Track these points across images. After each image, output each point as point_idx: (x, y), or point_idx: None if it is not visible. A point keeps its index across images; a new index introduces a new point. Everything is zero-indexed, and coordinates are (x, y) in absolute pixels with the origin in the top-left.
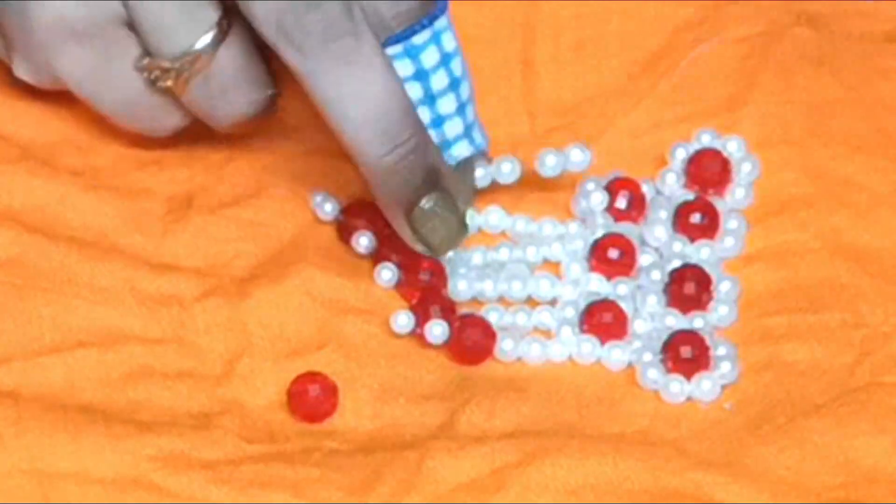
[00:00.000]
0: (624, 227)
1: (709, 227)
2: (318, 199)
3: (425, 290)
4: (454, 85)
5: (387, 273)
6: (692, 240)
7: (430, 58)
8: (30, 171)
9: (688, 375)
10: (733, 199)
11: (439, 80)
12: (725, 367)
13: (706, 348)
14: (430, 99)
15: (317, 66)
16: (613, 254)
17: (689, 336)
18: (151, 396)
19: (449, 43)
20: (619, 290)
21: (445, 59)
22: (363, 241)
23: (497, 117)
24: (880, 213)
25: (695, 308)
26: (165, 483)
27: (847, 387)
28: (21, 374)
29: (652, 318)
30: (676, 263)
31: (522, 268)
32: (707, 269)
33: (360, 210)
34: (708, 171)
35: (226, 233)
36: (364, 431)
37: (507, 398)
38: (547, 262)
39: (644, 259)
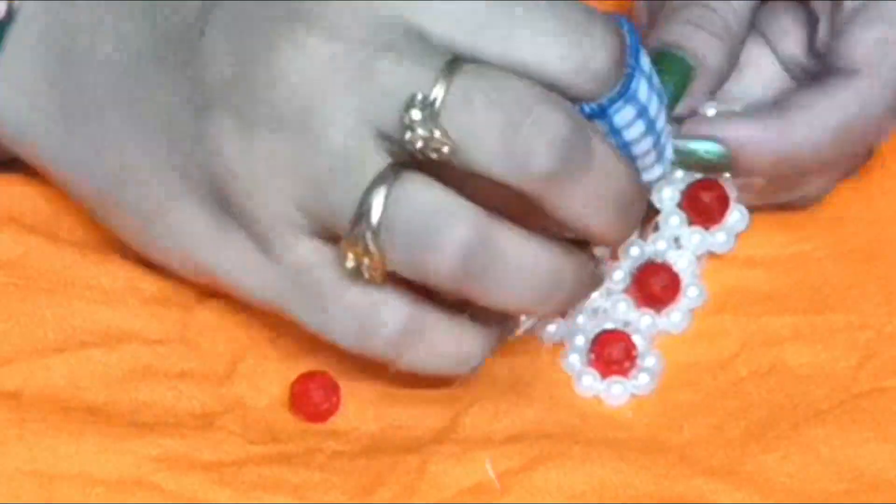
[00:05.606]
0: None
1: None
2: None
3: None
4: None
5: None
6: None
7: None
8: (30, 173)
9: (604, 375)
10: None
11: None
12: (643, 378)
13: (633, 356)
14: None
15: None
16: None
17: (620, 337)
18: (154, 397)
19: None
20: None
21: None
22: None
23: None
24: (881, 216)
25: (655, 305)
26: (168, 485)
27: (850, 392)
28: (23, 374)
29: (608, 294)
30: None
31: None
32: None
33: None
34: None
35: None
36: (367, 432)
37: (509, 401)
38: None
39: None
